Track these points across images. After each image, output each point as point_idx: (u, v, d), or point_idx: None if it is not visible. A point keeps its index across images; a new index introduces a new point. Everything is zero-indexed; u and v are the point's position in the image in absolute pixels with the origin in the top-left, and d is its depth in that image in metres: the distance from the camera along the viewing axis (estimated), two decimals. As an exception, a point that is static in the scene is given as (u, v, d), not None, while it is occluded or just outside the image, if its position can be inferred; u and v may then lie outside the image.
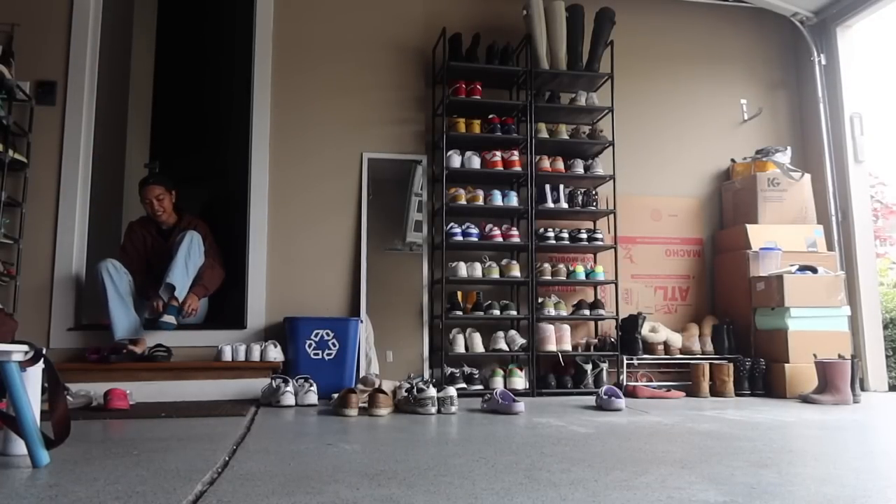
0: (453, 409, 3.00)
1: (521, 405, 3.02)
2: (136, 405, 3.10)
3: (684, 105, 4.67)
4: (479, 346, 3.87)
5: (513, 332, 3.99)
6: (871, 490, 1.58)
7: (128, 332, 3.49)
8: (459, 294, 4.01)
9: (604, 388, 3.30)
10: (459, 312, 3.91)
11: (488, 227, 4.02)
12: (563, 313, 4.04)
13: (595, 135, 4.20)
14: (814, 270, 3.96)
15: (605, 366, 3.96)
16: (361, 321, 3.86)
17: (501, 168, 4.05)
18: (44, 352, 1.84)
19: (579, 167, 4.15)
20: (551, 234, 4.06)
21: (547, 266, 4.06)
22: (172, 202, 3.81)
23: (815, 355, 3.67)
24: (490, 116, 4.13)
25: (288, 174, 4.07)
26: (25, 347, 1.78)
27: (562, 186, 4.13)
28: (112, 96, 4.42)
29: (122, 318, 3.48)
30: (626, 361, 4.02)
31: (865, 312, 4.32)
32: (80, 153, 3.82)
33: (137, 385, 3.27)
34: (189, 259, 3.57)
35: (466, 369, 3.81)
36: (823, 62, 4.61)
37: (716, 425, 2.67)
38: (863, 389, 4.07)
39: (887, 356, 4.44)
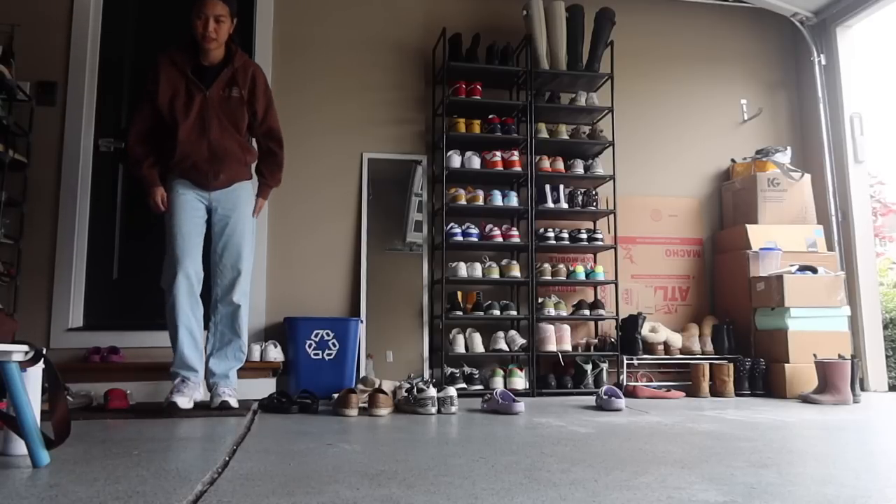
0: (453, 409, 3.00)
1: (521, 405, 3.02)
2: (136, 405, 3.10)
3: (684, 105, 4.67)
4: (479, 347, 3.87)
5: (513, 333, 3.99)
6: (871, 490, 1.58)
7: (186, 362, 2.96)
8: (459, 294, 4.01)
9: (604, 388, 3.29)
10: (459, 312, 3.91)
11: (488, 227, 4.02)
12: (563, 313, 4.04)
13: (595, 135, 4.20)
14: (814, 270, 3.96)
15: (605, 366, 3.96)
16: (362, 321, 3.86)
17: (501, 168, 4.05)
18: (44, 352, 1.84)
19: (579, 167, 4.15)
20: (551, 235, 4.06)
21: (547, 266, 4.06)
22: (230, 33, 3.03)
23: (815, 355, 3.67)
24: (490, 116, 4.13)
25: (288, 174, 4.03)
26: (25, 347, 1.78)
27: (562, 186, 4.13)
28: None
29: (190, 348, 2.97)
30: (626, 361, 4.02)
31: (865, 312, 4.32)
32: (80, 153, 3.82)
33: (137, 385, 3.27)
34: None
35: (466, 369, 3.81)
36: (823, 62, 4.61)
37: (716, 425, 2.67)
38: (863, 389, 4.07)
39: (887, 356, 4.44)
